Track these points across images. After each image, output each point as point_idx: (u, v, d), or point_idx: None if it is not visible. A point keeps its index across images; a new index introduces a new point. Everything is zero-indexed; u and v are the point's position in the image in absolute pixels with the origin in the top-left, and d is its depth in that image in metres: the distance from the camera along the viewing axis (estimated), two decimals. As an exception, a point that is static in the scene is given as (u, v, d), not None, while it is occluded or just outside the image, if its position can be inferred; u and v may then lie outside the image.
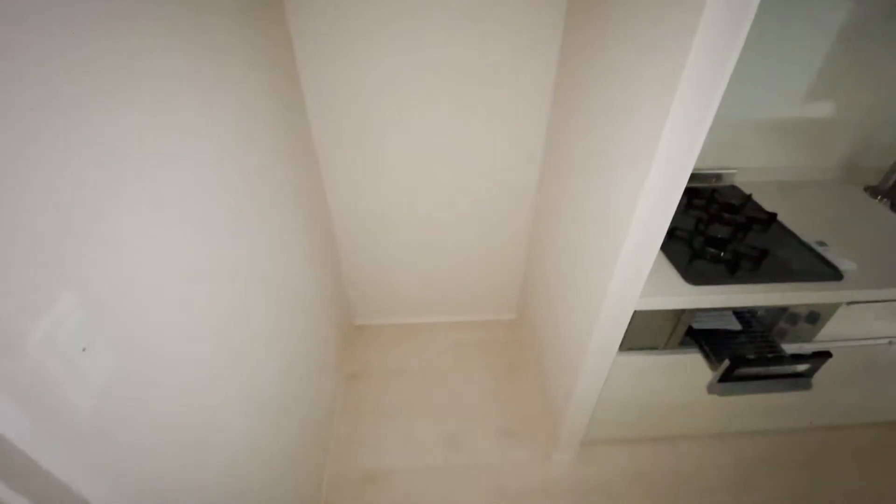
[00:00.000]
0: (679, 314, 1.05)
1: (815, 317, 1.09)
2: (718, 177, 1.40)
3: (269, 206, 1.02)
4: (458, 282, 1.84)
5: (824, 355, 0.99)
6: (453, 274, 1.81)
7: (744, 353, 1.00)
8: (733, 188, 1.37)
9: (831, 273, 1.04)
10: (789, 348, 1.10)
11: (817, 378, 1.05)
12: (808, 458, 1.51)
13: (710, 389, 1.02)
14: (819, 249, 1.12)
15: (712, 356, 1.03)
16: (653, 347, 1.13)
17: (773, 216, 1.20)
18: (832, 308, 1.07)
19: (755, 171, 1.42)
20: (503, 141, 1.43)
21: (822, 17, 1.17)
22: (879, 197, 1.43)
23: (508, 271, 1.82)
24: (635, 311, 1.01)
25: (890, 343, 1.21)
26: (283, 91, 1.14)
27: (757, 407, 1.40)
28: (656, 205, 0.81)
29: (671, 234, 1.14)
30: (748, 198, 1.29)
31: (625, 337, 1.06)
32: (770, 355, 0.97)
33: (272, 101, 1.05)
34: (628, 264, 0.90)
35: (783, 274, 1.03)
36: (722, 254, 1.08)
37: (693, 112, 0.69)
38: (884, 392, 1.44)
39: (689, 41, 0.63)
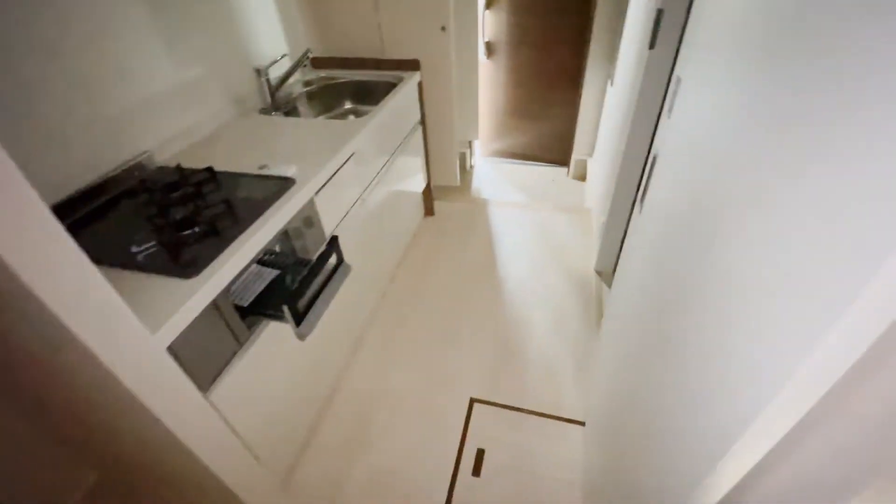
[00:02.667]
0: (215, 310, 0.91)
1: (309, 220, 1.20)
2: (138, 166, 1.22)
3: None
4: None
5: (334, 240, 1.12)
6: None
7: (290, 288, 0.99)
8: (161, 169, 1.24)
9: (286, 183, 1.13)
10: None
11: (349, 259, 1.22)
12: (398, 308, 1.91)
13: (299, 337, 0.99)
14: (265, 172, 1.19)
15: (275, 313, 0.98)
16: (232, 354, 0.98)
17: (210, 170, 1.16)
18: (310, 205, 1.20)
19: (170, 142, 1.32)
20: None
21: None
22: (273, 112, 1.66)
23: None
24: (170, 349, 0.79)
25: (362, 201, 1.54)
26: None
27: (340, 314, 1.56)
28: (44, 248, 0.55)
29: (129, 251, 0.91)
30: (179, 168, 1.19)
31: (193, 375, 0.84)
32: (306, 273, 1.01)
33: None
34: (105, 324, 0.63)
35: (258, 207, 1.04)
36: (197, 229, 0.96)
37: None
38: (388, 229, 1.91)
39: None
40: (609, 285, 1.92)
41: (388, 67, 1.98)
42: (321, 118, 1.90)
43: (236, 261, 0.92)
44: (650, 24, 1.35)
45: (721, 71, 0.63)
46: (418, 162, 2.14)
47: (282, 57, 1.76)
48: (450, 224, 2.43)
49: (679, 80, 0.82)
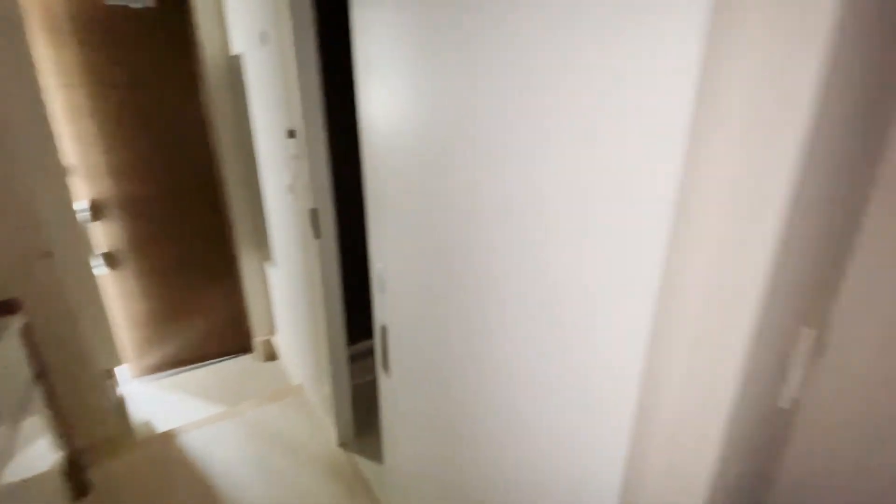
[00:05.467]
0: None
1: None
2: None
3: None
4: None
5: None
6: None
7: None
8: None
9: None
10: None
11: None
12: None
13: None
14: None
15: None
16: None
17: None
18: None
19: None
20: None
21: None
22: None
23: None
24: None
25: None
26: None
27: None
28: None
29: None
30: None
31: None
32: None
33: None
34: None
35: None
36: None
37: None
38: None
39: None
40: (359, 452, 1.86)
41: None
42: None
43: None
44: (307, 220, 1.56)
45: (402, 261, 0.82)
46: (41, 430, 1.45)
47: None
48: (125, 493, 1.72)
49: (383, 273, 1.00)
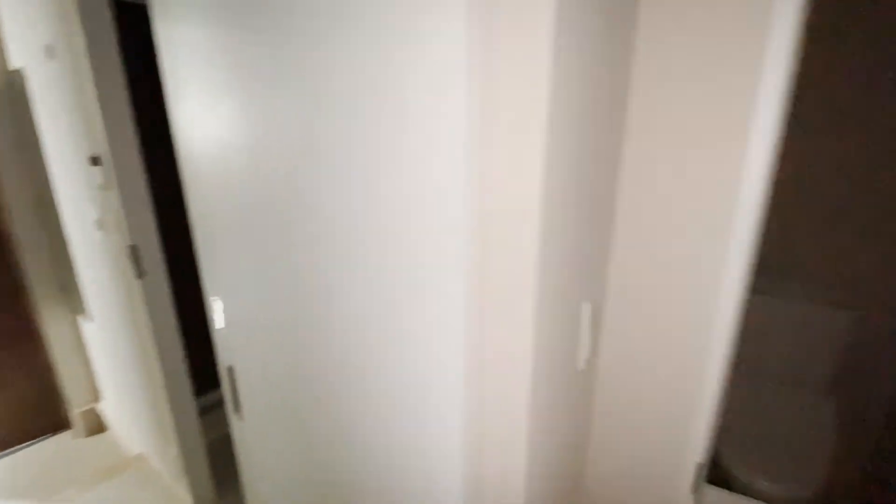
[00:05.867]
0: None
1: None
2: None
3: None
4: None
5: None
6: None
7: None
8: None
9: None
10: None
11: None
12: None
13: None
14: None
15: None
16: None
17: None
18: None
19: None
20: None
21: None
22: None
23: None
24: None
25: None
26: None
27: None
28: None
29: None
30: None
31: None
32: None
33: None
34: None
35: None
36: None
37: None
38: None
39: None
40: (222, 513, 1.64)
41: None
42: None
43: None
44: (126, 259, 1.35)
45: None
46: None
47: None
48: None
49: (220, 308, 0.92)
